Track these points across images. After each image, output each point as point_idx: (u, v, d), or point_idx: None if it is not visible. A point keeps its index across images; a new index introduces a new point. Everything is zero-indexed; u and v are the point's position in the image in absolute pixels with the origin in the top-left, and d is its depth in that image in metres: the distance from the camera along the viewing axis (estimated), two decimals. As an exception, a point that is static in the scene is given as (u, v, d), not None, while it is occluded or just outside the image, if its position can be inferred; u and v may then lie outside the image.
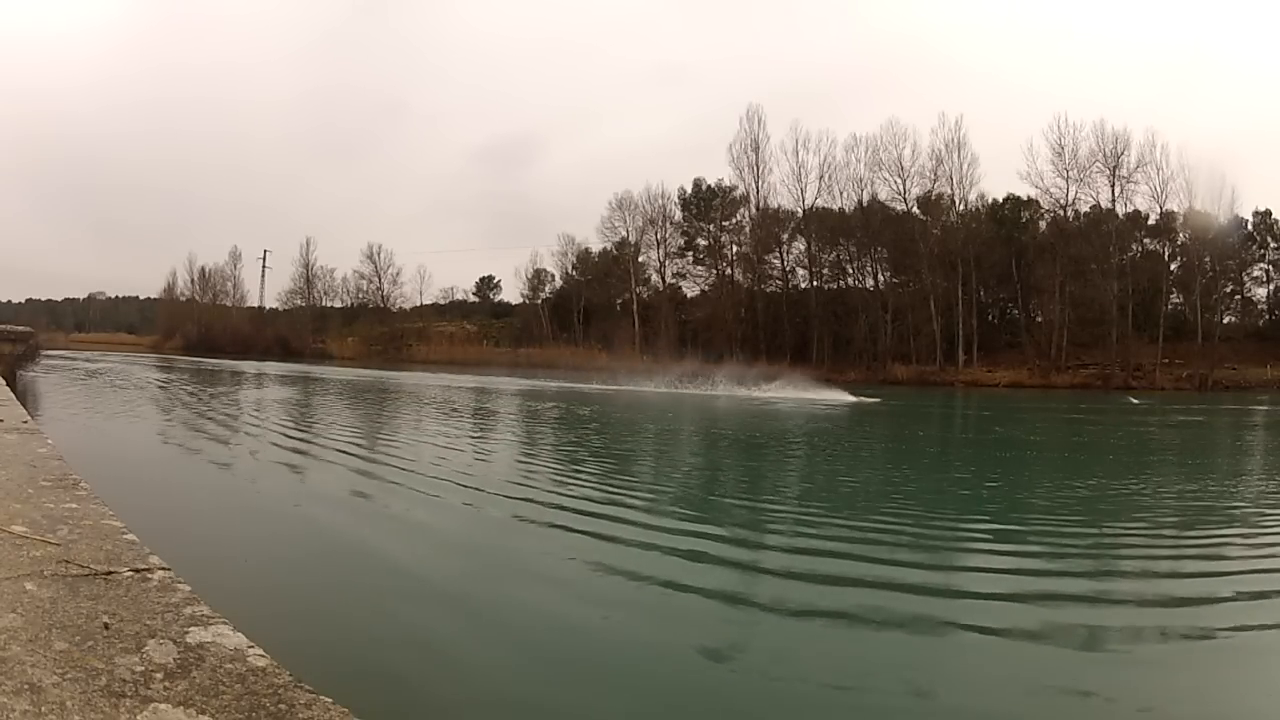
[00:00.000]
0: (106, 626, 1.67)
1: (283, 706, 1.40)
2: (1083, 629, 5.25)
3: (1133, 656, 4.83)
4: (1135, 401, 31.86)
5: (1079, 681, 4.38)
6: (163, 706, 1.36)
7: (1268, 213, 52.34)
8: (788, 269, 58.44)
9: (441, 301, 75.71)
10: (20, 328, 27.01)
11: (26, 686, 1.39)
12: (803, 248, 57.83)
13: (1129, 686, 4.38)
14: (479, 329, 72.13)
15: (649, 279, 63.35)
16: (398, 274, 73.23)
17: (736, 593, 6.04)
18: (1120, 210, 50.26)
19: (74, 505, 2.73)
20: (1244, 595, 5.81)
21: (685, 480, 12.14)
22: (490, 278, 78.57)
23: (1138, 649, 4.93)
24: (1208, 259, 49.65)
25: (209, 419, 17.96)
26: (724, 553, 7.21)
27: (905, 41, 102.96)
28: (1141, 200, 50.48)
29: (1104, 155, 49.65)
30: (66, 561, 2.09)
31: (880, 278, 55.32)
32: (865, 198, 55.28)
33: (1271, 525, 8.77)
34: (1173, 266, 51.08)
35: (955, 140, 52.28)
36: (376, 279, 73.16)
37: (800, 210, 57.51)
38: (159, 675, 1.47)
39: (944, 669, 4.65)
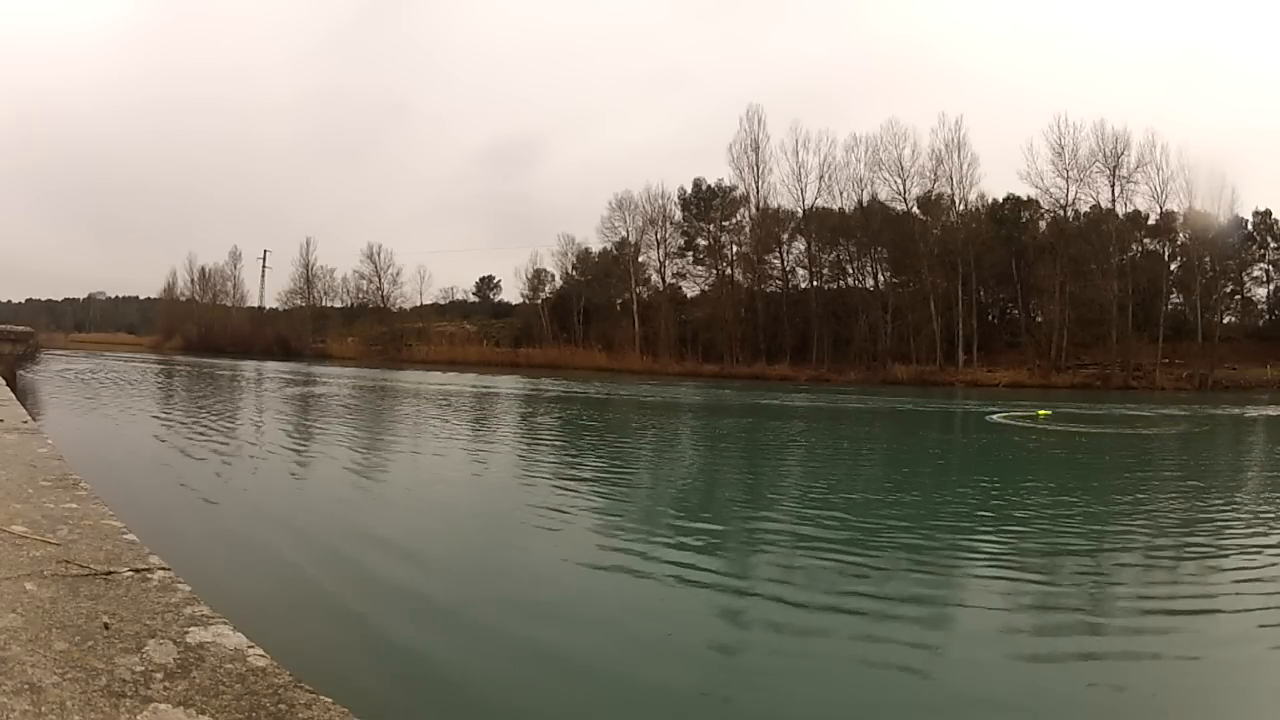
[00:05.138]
0: (106, 626, 1.67)
1: (283, 706, 1.40)
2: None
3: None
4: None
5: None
6: (163, 706, 1.36)
7: (1268, 213, 52.28)
8: (788, 269, 58.38)
9: (441, 301, 75.57)
10: (20, 328, 26.96)
11: (26, 686, 1.39)
12: (803, 248, 57.76)
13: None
14: (479, 329, 72.02)
15: (649, 279, 63.26)
16: (398, 274, 73.10)
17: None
18: (1120, 210, 50.17)
19: (74, 505, 2.73)
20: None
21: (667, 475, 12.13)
22: (490, 278, 78.60)
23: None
24: (1208, 259, 49.55)
25: (209, 418, 17.96)
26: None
27: (905, 42, 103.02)
28: (1141, 200, 50.41)
29: (1104, 155, 49.58)
30: (66, 561, 2.09)
31: (880, 278, 55.23)
32: (865, 198, 55.16)
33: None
34: (1173, 266, 50.97)
35: (955, 140, 52.20)
36: (376, 279, 73.00)
37: (800, 210, 57.45)
38: (159, 675, 1.47)
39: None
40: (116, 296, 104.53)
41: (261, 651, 1.61)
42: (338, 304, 76.46)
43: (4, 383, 9.51)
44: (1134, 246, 51.18)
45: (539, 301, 67.62)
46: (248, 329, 73.58)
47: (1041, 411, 23.21)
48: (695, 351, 56.20)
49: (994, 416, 22.74)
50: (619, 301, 63.03)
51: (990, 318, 54.68)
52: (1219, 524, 8.79)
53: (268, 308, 78.96)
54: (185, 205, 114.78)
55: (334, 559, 6.75)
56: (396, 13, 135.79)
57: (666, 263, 62.52)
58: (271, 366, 49.05)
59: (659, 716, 4.22)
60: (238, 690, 1.44)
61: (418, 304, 73.61)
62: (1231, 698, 4.39)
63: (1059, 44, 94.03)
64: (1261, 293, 53.01)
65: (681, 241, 62.35)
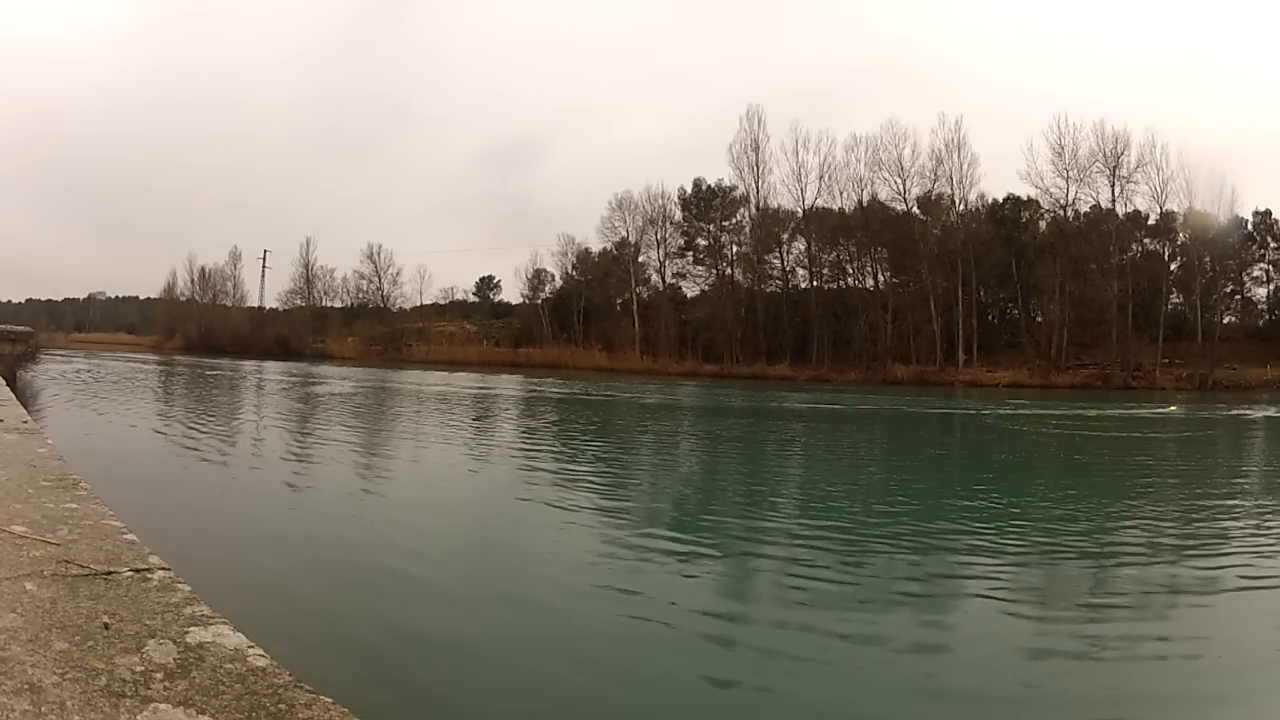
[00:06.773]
0: (106, 626, 1.67)
1: (283, 706, 1.40)
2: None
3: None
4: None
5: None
6: (163, 706, 1.36)
7: (1268, 213, 52.28)
8: (788, 269, 58.41)
9: (441, 301, 75.59)
10: (20, 328, 26.98)
11: (26, 686, 1.39)
12: (803, 248, 57.78)
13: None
14: (479, 329, 72.03)
15: (649, 279, 63.27)
16: (398, 274, 73.02)
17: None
18: (1120, 210, 50.17)
19: (74, 505, 2.73)
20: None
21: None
22: (490, 278, 78.62)
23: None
24: (1208, 259, 49.53)
25: (209, 418, 17.95)
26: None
27: (905, 42, 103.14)
28: (1141, 200, 50.41)
29: (1104, 155, 49.58)
30: (66, 561, 2.09)
31: (880, 278, 55.23)
32: (865, 198, 55.18)
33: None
34: (1173, 266, 50.95)
35: (955, 140, 52.21)
36: (376, 279, 72.93)
37: (800, 210, 57.48)
38: (159, 675, 1.47)
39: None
40: (116, 296, 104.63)
41: (261, 651, 1.61)
42: (338, 304, 76.53)
43: (4, 383, 9.51)
44: (1134, 246, 51.17)
45: (539, 301, 67.61)
46: (248, 329, 73.53)
47: (1170, 407, 23.10)
48: (695, 351, 56.20)
49: (990, 416, 22.95)
50: (619, 301, 63.02)
51: (990, 318, 54.68)
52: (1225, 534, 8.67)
53: (268, 308, 79.04)
54: (185, 205, 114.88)
55: (334, 559, 6.75)
56: (397, 13, 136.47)
57: (666, 263, 62.63)
58: (271, 366, 49.04)
59: None
60: (238, 690, 1.44)
61: (418, 304, 73.68)
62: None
63: (1059, 44, 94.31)
64: (1261, 293, 53.11)
65: (681, 241, 62.41)
